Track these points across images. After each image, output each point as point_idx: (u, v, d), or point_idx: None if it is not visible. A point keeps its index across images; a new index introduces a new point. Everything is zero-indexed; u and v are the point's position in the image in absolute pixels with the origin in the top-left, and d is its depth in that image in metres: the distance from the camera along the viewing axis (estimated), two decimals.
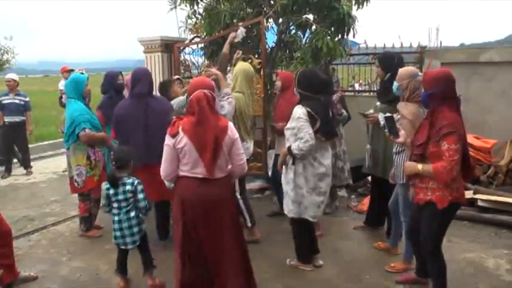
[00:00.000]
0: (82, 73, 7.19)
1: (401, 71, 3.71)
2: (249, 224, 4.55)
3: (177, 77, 5.74)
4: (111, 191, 3.55)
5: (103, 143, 4.84)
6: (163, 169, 3.08)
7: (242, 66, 4.73)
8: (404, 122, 3.53)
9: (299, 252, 4.08)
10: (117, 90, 5.20)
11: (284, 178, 3.96)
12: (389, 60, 4.28)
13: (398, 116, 3.63)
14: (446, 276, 3.31)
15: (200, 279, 3.10)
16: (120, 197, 3.54)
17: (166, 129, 3.06)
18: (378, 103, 4.38)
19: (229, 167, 3.16)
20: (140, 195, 3.53)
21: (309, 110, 3.67)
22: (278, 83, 4.95)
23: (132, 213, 3.56)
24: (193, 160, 2.99)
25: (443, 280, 3.30)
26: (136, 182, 3.56)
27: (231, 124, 3.11)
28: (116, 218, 3.59)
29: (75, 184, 4.78)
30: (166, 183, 3.23)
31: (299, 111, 3.71)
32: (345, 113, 5.23)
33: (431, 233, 3.23)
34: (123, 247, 3.64)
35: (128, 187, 3.52)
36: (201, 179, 3.02)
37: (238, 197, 4.48)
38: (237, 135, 3.12)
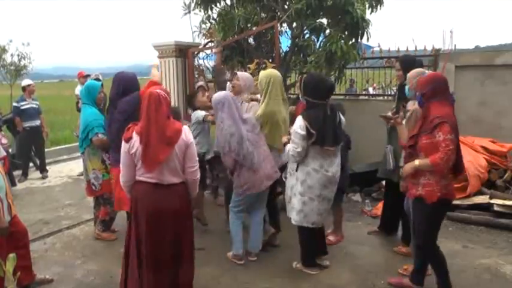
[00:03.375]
0: (98, 78, 7.30)
1: (409, 73, 3.83)
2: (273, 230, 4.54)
3: (200, 83, 5.80)
4: None
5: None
6: (122, 175, 3.10)
7: (271, 72, 4.46)
8: (412, 117, 3.67)
9: (303, 257, 4.09)
10: None
11: (287, 184, 3.98)
12: (410, 64, 4.24)
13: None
14: (445, 266, 3.41)
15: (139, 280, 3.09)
16: None
17: (119, 129, 3.07)
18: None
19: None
20: None
21: (306, 123, 3.66)
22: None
23: None
24: (146, 161, 2.98)
25: (443, 270, 3.41)
26: None
27: (186, 128, 3.09)
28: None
29: (93, 187, 4.84)
30: (125, 189, 3.20)
31: (297, 123, 3.73)
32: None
33: (421, 227, 3.36)
34: None
35: None
36: (154, 184, 3.01)
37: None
38: (192, 139, 3.06)
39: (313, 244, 4.07)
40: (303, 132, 3.66)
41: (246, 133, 3.99)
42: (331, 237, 4.63)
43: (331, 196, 3.89)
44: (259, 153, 4.02)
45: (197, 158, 3.13)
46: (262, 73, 4.44)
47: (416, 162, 3.23)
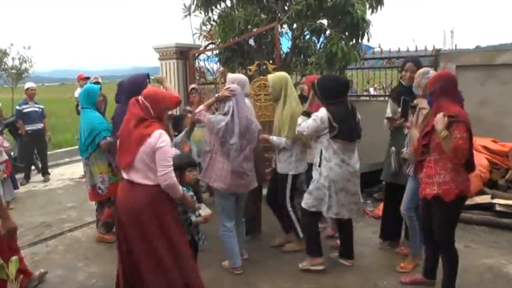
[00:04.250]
0: (98, 81, 7.31)
1: (416, 73, 3.90)
2: (301, 235, 4.47)
3: (192, 86, 5.77)
4: None
5: None
6: None
7: (282, 74, 4.43)
8: (424, 113, 3.69)
9: (308, 244, 4.13)
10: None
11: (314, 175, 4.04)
12: (419, 64, 4.33)
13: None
14: (458, 265, 3.42)
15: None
16: None
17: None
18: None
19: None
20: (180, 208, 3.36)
21: (329, 116, 3.76)
22: (305, 87, 4.92)
23: None
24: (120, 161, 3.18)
25: (455, 268, 3.42)
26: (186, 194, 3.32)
27: (158, 132, 3.03)
28: None
29: (99, 191, 4.80)
30: None
31: (321, 113, 3.82)
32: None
33: (443, 225, 3.37)
34: None
35: None
36: (127, 181, 3.16)
37: (289, 208, 4.44)
38: (162, 144, 3.01)
39: (319, 233, 4.18)
40: (324, 125, 3.78)
41: (239, 135, 3.87)
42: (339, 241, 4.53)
43: (355, 189, 3.97)
44: (243, 152, 3.91)
45: (167, 164, 3.04)
46: (273, 77, 4.39)
47: (445, 132, 3.07)
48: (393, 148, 4.31)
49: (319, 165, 3.91)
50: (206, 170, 3.94)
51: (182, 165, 3.41)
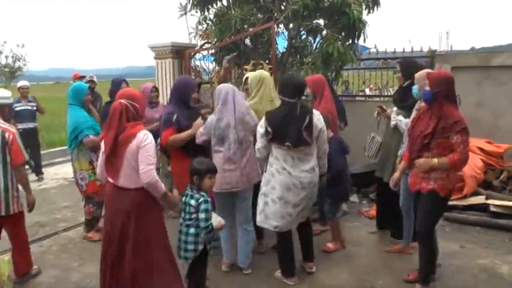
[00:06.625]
0: (93, 80, 7.28)
1: (417, 74, 3.83)
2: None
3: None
4: (183, 198, 3.39)
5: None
6: (98, 174, 3.41)
7: (262, 73, 4.41)
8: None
9: (279, 263, 3.95)
10: None
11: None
12: (411, 68, 4.27)
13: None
14: (435, 263, 3.66)
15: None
16: (186, 208, 3.30)
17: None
18: (395, 108, 4.41)
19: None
20: (201, 215, 3.20)
21: (266, 121, 3.64)
22: (308, 90, 4.39)
23: (192, 230, 3.27)
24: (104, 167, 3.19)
25: (434, 259, 3.65)
26: (202, 199, 3.23)
27: (142, 132, 3.09)
28: (180, 227, 3.38)
29: (81, 187, 4.90)
30: None
31: (261, 121, 3.74)
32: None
33: (431, 217, 3.54)
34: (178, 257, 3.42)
35: (193, 202, 3.25)
36: (113, 185, 3.17)
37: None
38: (144, 142, 3.06)
39: (289, 251, 3.88)
40: (262, 130, 3.66)
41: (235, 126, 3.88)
42: (330, 245, 4.55)
43: (297, 201, 3.68)
44: (241, 148, 3.91)
45: (149, 162, 3.06)
46: (252, 74, 4.40)
47: (435, 160, 3.35)
48: (373, 134, 4.46)
49: (265, 170, 3.80)
50: None
51: (202, 171, 3.31)
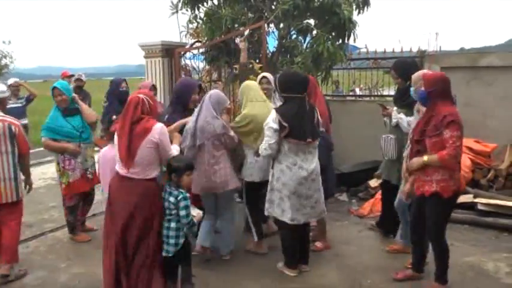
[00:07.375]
0: (81, 78, 7.23)
1: (413, 76, 3.86)
2: (255, 238, 4.46)
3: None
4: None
5: (73, 153, 4.71)
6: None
7: (245, 83, 4.52)
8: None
9: (284, 254, 4.06)
10: (120, 98, 5.12)
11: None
12: (405, 68, 4.31)
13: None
14: (448, 259, 3.57)
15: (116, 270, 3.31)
16: (165, 204, 3.37)
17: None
18: (395, 108, 4.42)
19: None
20: (182, 212, 3.29)
21: (279, 117, 3.67)
22: None
23: (172, 224, 3.35)
24: (119, 156, 3.27)
25: (447, 259, 3.57)
26: (181, 196, 3.31)
27: (158, 126, 3.24)
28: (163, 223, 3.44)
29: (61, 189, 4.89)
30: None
31: (271, 116, 3.74)
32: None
33: (439, 220, 3.52)
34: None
35: (172, 199, 3.32)
36: (122, 176, 3.26)
37: (246, 210, 4.48)
38: (162, 137, 3.22)
39: (295, 244, 4.01)
40: (276, 126, 3.68)
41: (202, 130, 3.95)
42: (318, 244, 4.53)
43: (310, 193, 3.84)
44: (206, 157, 4.00)
45: (172, 150, 3.36)
46: (240, 88, 4.52)
47: (425, 158, 3.37)
48: (390, 136, 4.32)
49: (272, 167, 3.87)
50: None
51: (180, 168, 3.38)
